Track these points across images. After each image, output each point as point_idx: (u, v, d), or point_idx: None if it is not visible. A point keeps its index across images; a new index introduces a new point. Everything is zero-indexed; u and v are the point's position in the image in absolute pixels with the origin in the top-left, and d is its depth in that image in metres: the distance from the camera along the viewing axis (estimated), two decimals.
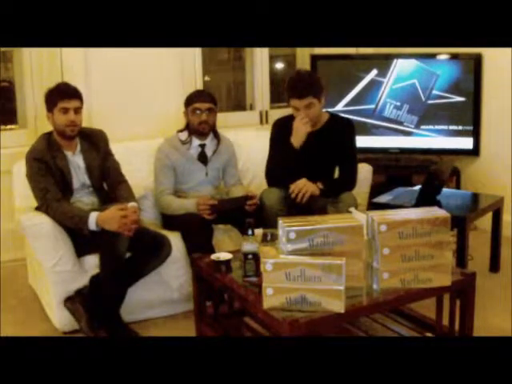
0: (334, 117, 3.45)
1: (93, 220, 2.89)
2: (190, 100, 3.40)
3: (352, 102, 4.66)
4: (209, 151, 3.46)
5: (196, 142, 3.43)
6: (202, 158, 3.44)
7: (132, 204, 3.02)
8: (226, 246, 3.28)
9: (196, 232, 3.16)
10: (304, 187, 3.21)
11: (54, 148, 3.05)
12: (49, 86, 3.13)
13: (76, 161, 3.12)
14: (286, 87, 3.31)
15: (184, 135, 3.43)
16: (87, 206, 3.10)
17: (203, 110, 3.36)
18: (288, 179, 3.26)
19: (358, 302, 2.33)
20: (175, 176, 3.41)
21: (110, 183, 3.21)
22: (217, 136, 3.50)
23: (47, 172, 2.99)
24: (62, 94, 3.02)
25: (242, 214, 3.15)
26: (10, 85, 4.21)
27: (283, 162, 3.31)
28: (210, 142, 3.48)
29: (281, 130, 3.40)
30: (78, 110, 3.03)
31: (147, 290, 3.14)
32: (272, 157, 3.42)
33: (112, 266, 2.89)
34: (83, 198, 3.13)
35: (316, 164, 3.36)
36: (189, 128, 3.42)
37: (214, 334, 2.75)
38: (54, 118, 3.03)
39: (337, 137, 3.36)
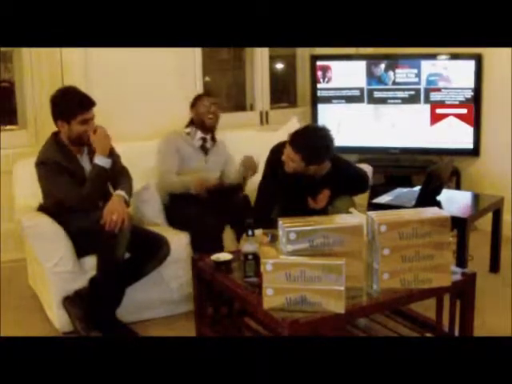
0: (334, 164, 3.20)
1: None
2: (199, 96, 3.77)
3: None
4: (208, 145, 3.73)
5: (199, 134, 3.70)
6: (203, 149, 3.71)
7: (119, 192, 3.01)
8: (225, 246, 3.27)
9: (208, 238, 3.19)
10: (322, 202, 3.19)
11: (66, 152, 3.04)
12: (54, 90, 3.08)
13: (85, 162, 3.11)
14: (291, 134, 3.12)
15: (188, 129, 3.73)
16: None
17: (211, 103, 3.69)
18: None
19: (358, 303, 2.33)
20: (179, 159, 3.58)
21: (113, 180, 3.17)
22: (214, 139, 3.76)
23: (64, 173, 2.97)
24: (83, 107, 2.99)
25: (233, 205, 3.43)
26: (10, 85, 4.21)
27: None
28: (209, 139, 3.72)
29: (275, 161, 3.26)
30: (93, 118, 3.04)
31: (147, 290, 3.14)
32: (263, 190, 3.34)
33: (110, 268, 2.90)
34: None
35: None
36: (194, 123, 3.71)
37: (214, 335, 2.74)
38: (70, 127, 2.99)
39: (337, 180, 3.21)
